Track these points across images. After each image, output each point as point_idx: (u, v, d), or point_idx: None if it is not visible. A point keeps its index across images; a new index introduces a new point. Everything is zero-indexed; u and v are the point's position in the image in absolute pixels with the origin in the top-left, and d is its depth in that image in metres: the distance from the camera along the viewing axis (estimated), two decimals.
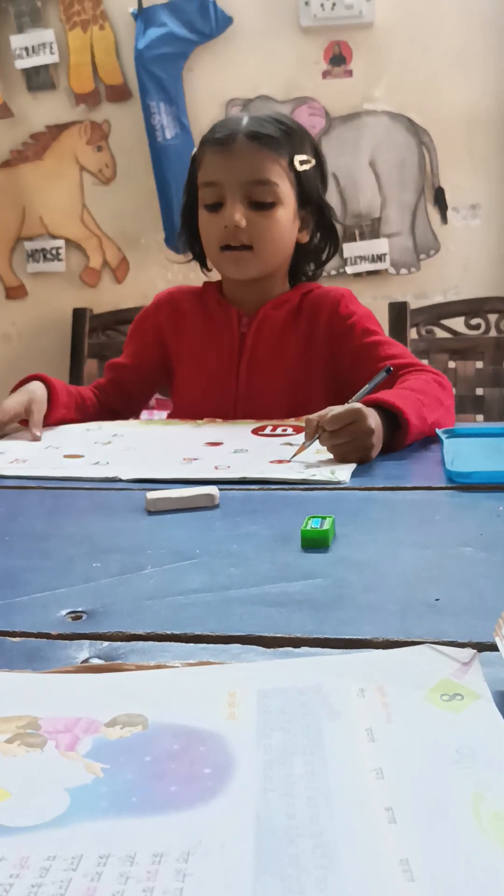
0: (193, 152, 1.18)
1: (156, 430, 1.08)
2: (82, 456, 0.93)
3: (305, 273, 1.25)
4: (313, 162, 1.15)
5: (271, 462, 0.85)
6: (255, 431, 1.01)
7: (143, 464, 0.87)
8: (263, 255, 1.14)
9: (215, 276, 1.28)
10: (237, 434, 1.00)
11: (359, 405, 0.87)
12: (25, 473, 0.86)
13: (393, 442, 0.90)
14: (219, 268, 1.19)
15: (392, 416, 0.90)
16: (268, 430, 1.01)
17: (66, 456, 0.93)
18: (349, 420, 0.85)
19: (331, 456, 0.86)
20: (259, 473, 0.80)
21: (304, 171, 1.14)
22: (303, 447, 0.87)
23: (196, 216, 1.18)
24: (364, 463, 0.85)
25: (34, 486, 0.83)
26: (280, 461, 0.85)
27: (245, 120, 1.12)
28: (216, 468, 0.84)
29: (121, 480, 0.82)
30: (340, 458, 0.85)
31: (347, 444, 0.85)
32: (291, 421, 1.06)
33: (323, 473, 0.79)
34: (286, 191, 1.12)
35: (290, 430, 1.00)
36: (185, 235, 1.23)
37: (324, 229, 1.21)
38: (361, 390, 0.92)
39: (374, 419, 0.86)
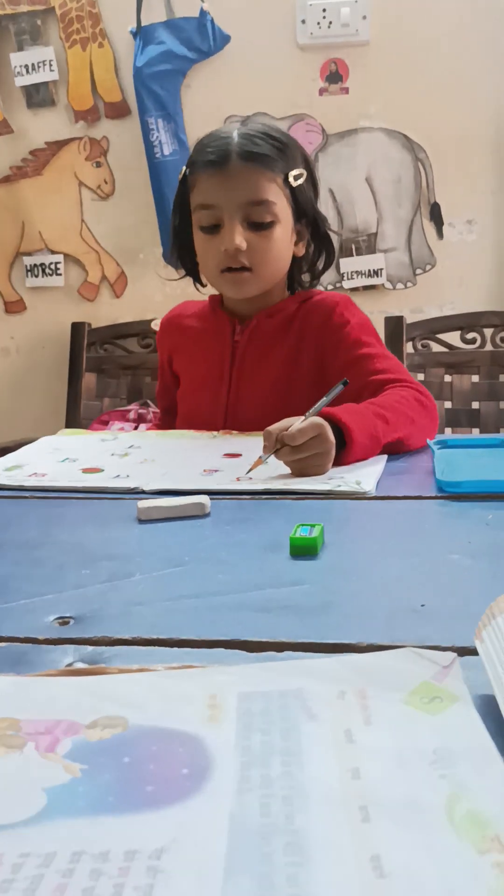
0: (183, 173, 1.16)
1: (172, 441, 1.08)
2: (101, 470, 0.91)
3: (301, 284, 1.25)
4: (305, 174, 1.14)
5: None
6: None
7: (162, 477, 0.86)
8: (263, 275, 1.13)
9: (211, 289, 1.29)
10: (254, 446, 0.99)
11: (321, 420, 0.86)
12: (45, 485, 0.85)
13: (338, 457, 0.88)
14: (218, 288, 1.20)
15: (340, 432, 0.88)
16: None
17: (84, 470, 0.92)
18: (312, 435, 0.84)
19: (288, 471, 0.85)
20: (283, 485, 0.80)
21: (299, 185, 1.13)
22: (259, 461, 0.86)
23: (187, 235, 1.18)
24: (315, 476, 0.84)
25: (27, 495, 0.83)
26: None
27: (236, 137, 1.10)
28: (237, 479, 0.83)
29: (143, 492, 0.81)
30: (298, 473, 0.85)
31: (307, 459, 0.85)
32: None
33: (348, 484, 0.79)
34: (283, 208, 1.12)
35: None
36: (177, 253, 1.23)
37: (318, 240, 1.20)
38: (319, 403, 0.90)
39: (332, 434, 0.86)
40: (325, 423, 0.86)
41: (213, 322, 1.23)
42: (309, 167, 1.16)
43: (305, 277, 1.25)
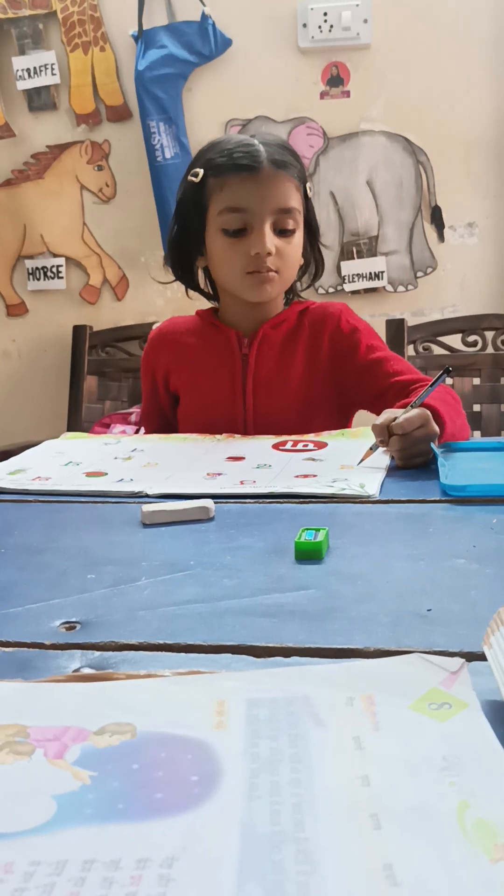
0: (199, 177, 1.14)
1: (175, 445, 1.07)
2: (105, 474, 0.91)
3: (296, 292, 1.27)
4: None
5: (296, 477, 0.85)
6: (275, 447, 1.00)
7: (166, 480, 0.86)
8: (285, 279, 1.16)
9: (200, 301, 1.29)
10: (258, 449, 0.99)
11: (425, 410, 0.92)
12: (48, 489, 0.85)
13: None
14: (239, 292, 1.17)
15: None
16: (289, 446, 1.01)
17: (87, 474, 0.91)
18: (419, 424, 0.90)
19: (292, 474, 0.86)
20: (287, 488, 0.80)
21: (311, 196, 1.18)
22: (370, 452, 0.91)
23: (190, 240, 1.18)
24: (421, 466, 0.90)
25: (31, 499, 0.83)
26: (306, 475, 0.85)
27: (260, 145, 1.11)
28: (241, 483, 0.83)
29: (147, 496, 0.81)
30: (405, 462, 0.90)
31: (415, 448, 0.90)
32: (311, 436, 1.06)
33: (352, 487, 0.79)
34: (301, 217, 1.15)
35: (311, 446, 1.00)
36: (173, 260, 1.22)
37: (313, 251, 1.23)
38: (422, 393, 0.95)
39: (435, 423, 0.92)
40: (429, 413, 0.91)
41: (214, 337, 1.23)
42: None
43: (298, 286, 1.27)
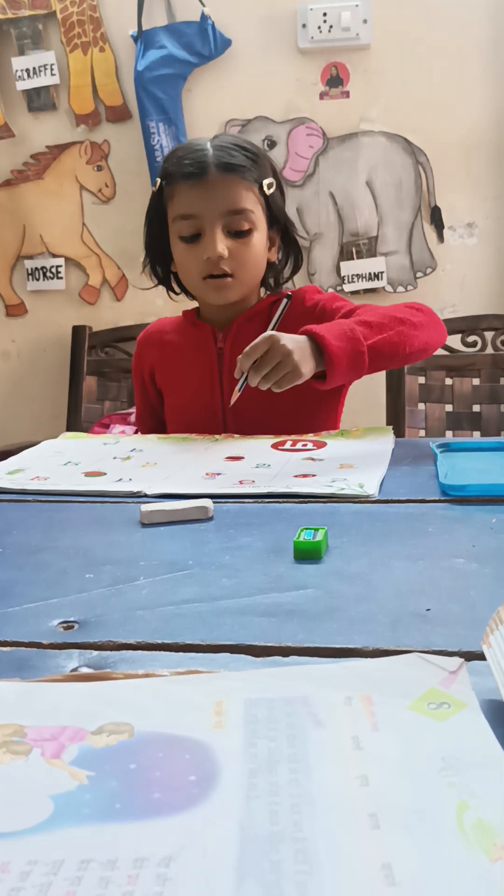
0: (158, 185, 1.17)
1: (174, 445, 1.07)
2: (104, 473, 0.91)
3: (270, 286, 1.27)
4: (276, 183, 1.18)
5: (295, 476, 0.85)
6: (274, 446, 1.01)
7: (164, 480, 0.86)
8: (243, 280, 1.16)
9: (185, 300, 1.29)
10: (257, 449, 1.00)
11: (269, 332, 0.94)
12: (47, 489, 0.85)
13: (329, 369, 0.97)
14: (200, 296, 1.20)
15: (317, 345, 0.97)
16: (288, 445, 1.01)
17: (86, 474, 0.91)
18: (265, 348, 0.92)
19: (295, 472, 0.86)
20: (286, 488, 0.80)
21: (272, 193, 1.17)
22: (235, 392, 0.96)
23: (161, 247, 1.20)
24: (298, 382, 0.94)
25: (30, 499, 0.83)
26: (305, 475, 0.85)
27: (211, 149, 1.12)
28: (240, 482, 0.83)
29: (146, 496, 0.81)
30: (273, 385, 0.93)
31: (272, 371, 0.93)
32: (310, 436, 1.06)
33: (351, 487, 0.79)
34: (259, 216, 1.15)
35: (310, 445, 1.00)
36: (151, 265, 1.24)
37: (287, 245, 1.24)
38: (271, 322, 0.98)
39: (290, 341, 0.94)
40: (275, 335, 0.94)
41: (193, 334, 1.25)
42: (277, 176, 1.19)
43: (273, 282, 1.27)
